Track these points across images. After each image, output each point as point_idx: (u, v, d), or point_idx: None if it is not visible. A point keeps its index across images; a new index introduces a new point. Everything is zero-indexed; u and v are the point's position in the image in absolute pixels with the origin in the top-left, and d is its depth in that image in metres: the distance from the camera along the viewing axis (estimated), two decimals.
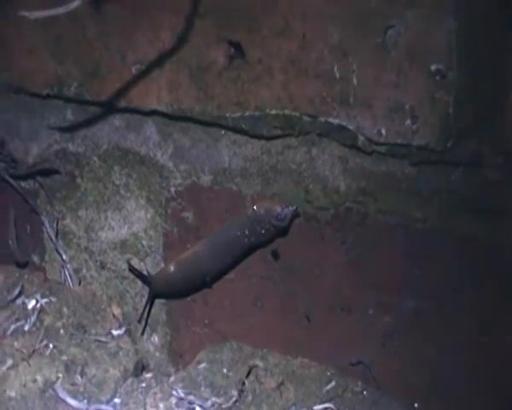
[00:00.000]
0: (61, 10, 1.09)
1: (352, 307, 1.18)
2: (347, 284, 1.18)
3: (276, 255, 1.21)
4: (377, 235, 1.16)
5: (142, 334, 1.29)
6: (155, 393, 1.10)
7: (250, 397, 1.10)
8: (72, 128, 1.31)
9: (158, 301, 1.30)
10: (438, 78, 1.09)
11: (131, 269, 1.28)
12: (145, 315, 1.28)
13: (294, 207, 1.18)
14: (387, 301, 1.16)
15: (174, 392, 1.10)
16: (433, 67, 1.08)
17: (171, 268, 1.22)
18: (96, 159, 1.33)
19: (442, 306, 1.13)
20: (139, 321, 1.28)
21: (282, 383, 1.12)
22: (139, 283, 1.31)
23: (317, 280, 1.20)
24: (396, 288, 1.15)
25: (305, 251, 1.20)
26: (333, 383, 1.12)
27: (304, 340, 1.21)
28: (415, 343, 1.14)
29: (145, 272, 1.27)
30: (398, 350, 1.15)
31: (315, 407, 1.07)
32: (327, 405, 1.08)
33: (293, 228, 1.20)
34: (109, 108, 1.27)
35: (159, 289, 1.25)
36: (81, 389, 1.13)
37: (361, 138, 1.14)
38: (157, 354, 1.30)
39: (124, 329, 1.24)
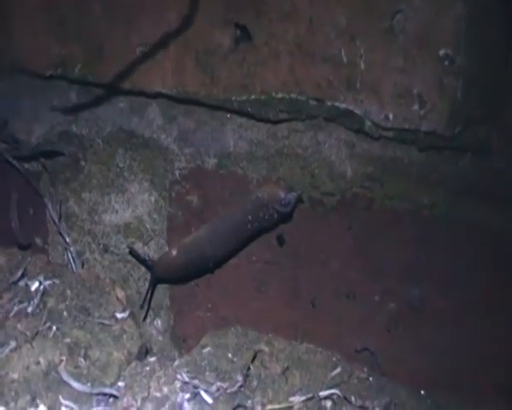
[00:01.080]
0: None
1: (357, 294, 1.17)
2: (353, 270, 1.17)
3: (281, 241, 1.21)
4: (383, 221, 1.15)
5: (145, 319, 1.29)
6: (159, 377, 1.10)
7: (255, 382, 1.09)
8: (75, 110, 1.30)
9: (161, 286, 1.30)
10: (446, 63, 1.08)
11: (133, 254, 1.27)
12: (147, 300, 1.27)
13: (298, 193, 1.17)
14: (393, 288, 1.15)
15: (178, 376, 1.09)
16: (441, 52, 1.08)
17: (174, 253, 1.22)
18: (99, 141, 1.32)
19: (448, 292, 1.12)
20: (142, 306, 1.27)
21: (287, 369, 1.12)
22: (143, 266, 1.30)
23: (322, 266, 1.19)
24: (402, 274, 1.15)
25: (310, 236, 1.19)
26: (338, 368, 1.12)
27: (309, 326, 1.21)
28: (420, 330, 1.14)
29: (147, 257, 1.26)
30: (403, 337, 1.15)
31: (320, 393, 1.07)
32: (332, 391, 1.07)
33: (298, 213, 1.19)
34: (113, 90, 1.26)
35: (161, 274, 1.25)
36: (85, 372, 1.13)
37: (368, 123, 1.14)
38: (160, 338, 1.30)
39: (128, 312, 1.24)
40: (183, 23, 1.18)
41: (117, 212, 1.32)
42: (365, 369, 1.12)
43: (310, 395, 1.06)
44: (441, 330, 1.12)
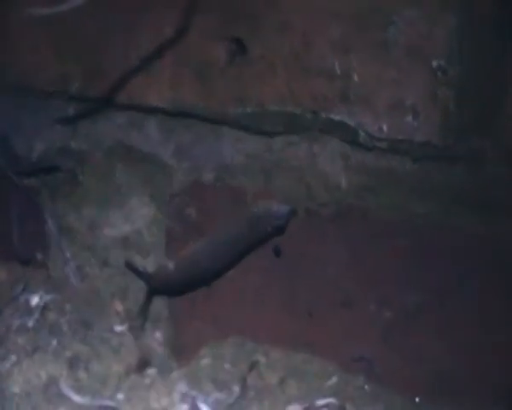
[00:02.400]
0: (64, 7, 1.09)
1: (353, 303, 1.18)
2: (349, 279, 1.18)
3: (277, 252, 1.21)
4: (379, 230, 1.16)
5: (142, 330, 1.29)
6: (158, 389, 1.10)
7: (252, 393, 1.10)
8: (74, 125, 1.31)
9: (160, 298, 1.30)
10: (439, 74, 1.09)
11: (129, 267, 1.28)
12: (144, 312, 1.28)
13: (291, 207, 1.18)
14: (389, 297, 1.16)
15: (177, 387, 1.10)
16: (434, 64, 1.09)
17: (171, 266, 1.22)
18: (98, 156, 1.33)
19: (443, 301, 1.13)
20: (138, 318, 1.28)
21: (284, 379, 1.12)
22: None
23: (318, 276, 1.20)
24: (397, 283, 1.15)
25: (306, 247, 1.20)
26: (335, 377, 1.12)
27: (306, 335, 1.21)
28: (416, 338, 1.14)
29: (144, 270, 1.26)
30: (399, 345, 1.15)
31: (317, 402, 1.07)
32: (329, 399, 1.08)
33: (295, 224, 1.20)
34: (111, 105, 1.27)
35: (157, 287, 1.25)
36: (84, 385, 1.13)
37: (362, 134, 1.14)
38: (160, 349, 1.30)
39: (126, 325, 1.24)
40: (180, 37, 1.19)
41: (116, 226, 1.33)
42: (361, 377, 1.12)
43: (306, 405, 1.07)
44: (437, 338, 1.13)
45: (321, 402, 1.08)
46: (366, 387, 1.10)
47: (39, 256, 1.38)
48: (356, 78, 1.13)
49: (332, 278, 1.19)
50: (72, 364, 1.18)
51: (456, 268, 1.12)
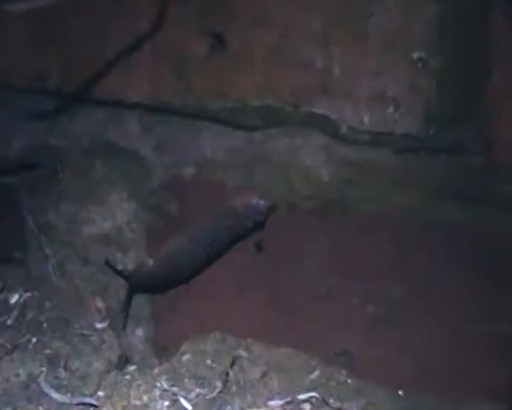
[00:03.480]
0: (41, 3, 1.08)
1: (336, 296, 1.17)
2: (331, 272, 1.17)
3: (259, 247, 1.20)
4: (361, 223, 1.15)
5: (124, 328, 1.28)
6: (139, 385, 1.09)
7: (234, 388, 1.09)
8: (53, 121, 1.30)
9: (142, 295, 1.29)
10: (420, 65, 1.09)
11: (109, 265, 1.27)
12: (125, 310, 1.27)
13: (271, 202, 1.17)
14: (372, 290, 1.15)
15: (158, 384, 1.09)
16: (414, 55, 1.09)
17: (150, 263, 1.22)
18: (77, 152, 1.31)
19: (427, 294, 1.12)
20: (119, 316, 1.27)
21: (266, 373, 1.11)
22: None
23: (300, 269, 1.19)
24: (380, 276, 1.15)
25: (288, 240, 1.19)
26: (317, 372, 1.11)
27: (288, 329, 1.20)
28: (399, 331, 1.14)
29: (123, 267, 1.25)
30: (382, 338, 1.14)
31: (299, 397, 1.06)
32: (311, 394, 1.07)
33: (276, 218, 1.19)
34: (90, 101, 1.26)
35: (137, 284, 1.24)
36: (65, 383, 1.12)
37: (343, 127, 1.14)
38: (141, 346, 1.29)
39: (107, 322, 1.23)
40: (158, 32, 1.18)
41: (96, 222, 1.32)
42: (343, 371, 1.11)
43: (288, 399, 1.06)
44: (420, 331, 1.12)
45: (303, 397, 1.07)
46: (349, 381, 1.09)
47: (18, 255, 1.37)
48: (336, 70, 1.13)
49: (314, 272, 1.18)
50: (52, 361, 1.16)
51: (439, 259, 1.11)
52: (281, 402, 1.04)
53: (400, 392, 1.07)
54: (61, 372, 1.14)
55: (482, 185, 1.10)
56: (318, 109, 1.15)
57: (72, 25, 1.22)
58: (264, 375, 1.10)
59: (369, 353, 1.13)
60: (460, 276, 1.10)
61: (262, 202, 1.17)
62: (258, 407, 1.04)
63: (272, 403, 1.05)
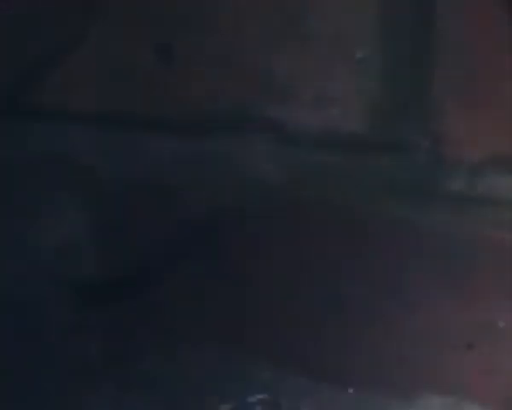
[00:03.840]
0: None
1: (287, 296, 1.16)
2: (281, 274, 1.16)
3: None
4: (310, 224, 1.15)
5: None
6: None
7: None
8: None
9: None
10: (362, 65, 1.09)
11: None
12: None
13: (220, 207, 1.17)
14: (322, 289, 1.14)
15: None
16: (356, 54, 1.09)
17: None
18: (23, 164, 1.30)
19: (376, 292, 1.12)
20: None
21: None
22: None
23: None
24: (330, 276, 1.14)
25: (238, 247, 1.18)
26: (267, 373, 1.10)
27: (236, 330, 1.19)
28: (349, 328, 1.13)
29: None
30: (332, 337, 1.13)
31: (249, 400, 1.05)
32: (262, 396, 1.05)
33: (226, 225, 1.18)
34: (37, 111, 1.25)
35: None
36: None
37: (289, 130, 1.14)
38: None
39: None
40: (104, 40, 1.18)
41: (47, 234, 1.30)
42: (295, 371, 1.10)
43: (238, 403, 1.04)
44: (369, 328, 1.11)
45: (253, 399, 1.06)
46: (300, 381, 1.08)
47: None
48: (280, 74, 1.13)
49: (263, 274, 1.17)
50: None
51: (388, 258, 1.11)
52: (229, 407, 1.03)
53: (351, 390, 1.06)
54: None
55: (428, 181, 1.10)
56: (263, 112, 1.14)
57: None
58: None
59: (319, 351, 1.12)
60: (408, 273, 1.09)
61: (212, 209, 1.16)
62: None
63: (222, 407, 1.04)
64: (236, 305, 1.18)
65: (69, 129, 1.23)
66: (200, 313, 1.17)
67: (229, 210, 1.18)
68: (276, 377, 1.08)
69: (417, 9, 1.10)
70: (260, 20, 1.14)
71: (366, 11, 1.09)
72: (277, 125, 1.14)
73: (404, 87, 1.10)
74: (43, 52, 1.21)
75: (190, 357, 1.12)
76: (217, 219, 1.18)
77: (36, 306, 1.17)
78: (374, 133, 1.10)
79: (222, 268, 1.19)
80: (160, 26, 1.18)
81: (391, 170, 1.12)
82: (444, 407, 1.03)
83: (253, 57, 1.14)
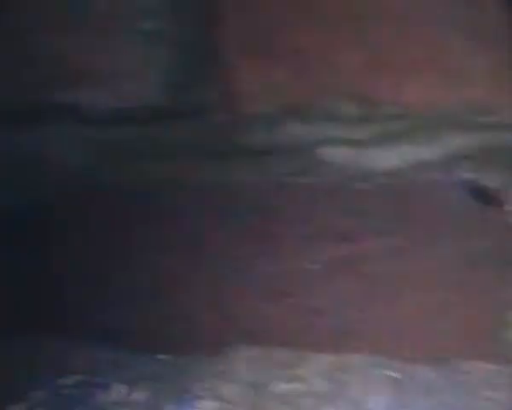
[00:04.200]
0: None
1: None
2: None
3: None
4: (119, 205, 1.14)
5: None
6: None
7: None
8: None
9: None
10: (153, 36, 1.08)
11: None
12: None
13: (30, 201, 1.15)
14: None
15: None
16: (146, 25, 1.08)
17: None
18: None
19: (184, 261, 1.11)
20: None
21: None
22: None
23: None
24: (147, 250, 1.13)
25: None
26: (81, 354, 1.08)
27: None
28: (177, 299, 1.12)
29: None
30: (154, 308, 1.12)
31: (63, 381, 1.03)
32: (77, 377, 1.03)
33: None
34: None
35: None
36: None
37: (85, 111, 1.12)
38: None
39: None
40: None
41: None
42: (109, 347, 1.08)
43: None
44: (186, 295, 1.11)
45: (68, 381, 1.03)
46: (115, 356, 1.07)
47: None
48: (70, 57, 1.11)
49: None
50: None
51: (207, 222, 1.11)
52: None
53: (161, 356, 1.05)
54: None
55: (229, 140, 1.10)
56: (60, 97, 1.12)
57: None
58: None
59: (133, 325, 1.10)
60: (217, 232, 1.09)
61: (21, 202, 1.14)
62: None
63: None
64: (46, 292, 1.16)
65: None
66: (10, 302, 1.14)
67: (29, 199, 1.15)
68: (90, 355, 1.06)
69: None
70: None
71: None
72: (73, 109, 1.12)
73: (196, 53, 1.10)
74: None
75: None
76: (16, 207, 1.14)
77: None
78: (169, 102, 1.08)
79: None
80: None
81: (195, 136, 1.11)
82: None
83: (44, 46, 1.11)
